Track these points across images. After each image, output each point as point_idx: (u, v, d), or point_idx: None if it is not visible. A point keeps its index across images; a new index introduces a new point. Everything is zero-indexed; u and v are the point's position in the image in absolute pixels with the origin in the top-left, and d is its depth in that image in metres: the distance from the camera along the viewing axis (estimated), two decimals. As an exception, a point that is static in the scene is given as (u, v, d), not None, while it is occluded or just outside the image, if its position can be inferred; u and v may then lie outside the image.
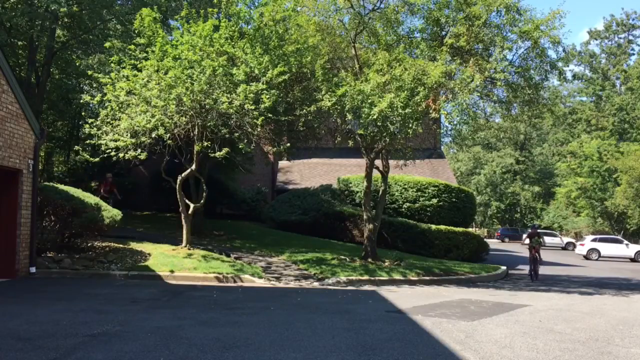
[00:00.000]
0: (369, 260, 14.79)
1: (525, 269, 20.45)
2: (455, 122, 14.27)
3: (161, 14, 15.40)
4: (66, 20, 18.71)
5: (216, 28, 13.41)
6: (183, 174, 14.14)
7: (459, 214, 21.67)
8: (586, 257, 30.23)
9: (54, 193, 12.66)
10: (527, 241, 16.29)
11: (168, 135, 12.58)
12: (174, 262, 12.49)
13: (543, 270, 17.23)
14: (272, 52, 13.83)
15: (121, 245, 13.95)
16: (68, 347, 5.47)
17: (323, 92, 13.83)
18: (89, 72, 16.31)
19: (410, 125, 13.16)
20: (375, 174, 16.00)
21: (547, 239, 40.96)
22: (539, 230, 17.51)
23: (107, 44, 15.23)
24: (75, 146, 18.81)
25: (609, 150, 46.94)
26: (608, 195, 45.57)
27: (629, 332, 7.32)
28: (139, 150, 12.63)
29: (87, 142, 14.57)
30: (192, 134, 12.97)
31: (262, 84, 12.79)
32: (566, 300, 11.06)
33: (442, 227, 19.92)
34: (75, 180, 21.51)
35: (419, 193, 21.15)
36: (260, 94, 12.70)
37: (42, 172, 21.46)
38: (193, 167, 13.88)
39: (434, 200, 21.06)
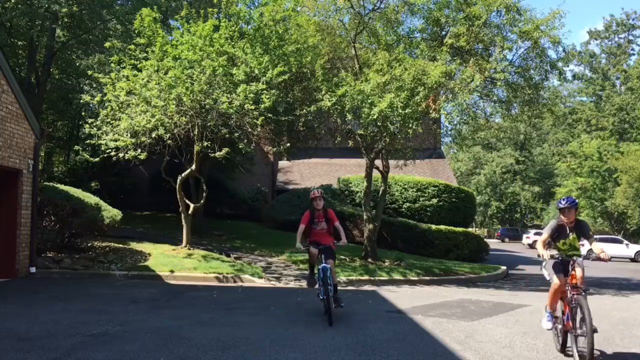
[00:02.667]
0: (369, 260, 14.79)
1: (525, 269, 20.10)
2: (455, 122, 14.32)
3: (161, 14, 15.38)
4: (66, 20, 18.69)
5: (216, 28, 13.40)
6: (183, 174, 14.14)
7: (459, 214, 21.67)
8: (586, 257, 30.18)
9: (54, 193, 12.66)
10: (544, 248, 5.86)
11: (168, 135, 12.57)
12: (174, 262, 12.49)
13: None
14: (272, 52, 13.83)
15: (121, 245, 13.95)
16: (68, 347, 5.47)
17: (323, 92, 13.83)
18: (89, 72, 16.31)
19: (410, 125, 13.16)
20: (375, 174, 15.99)
21: None
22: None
23: (107, 44, 15.22)
24: (75, 146, 18.79)
25: (609, 150, 46.94)
26: (608, 195, 45.56)
27: (629, 332, 7.32)
28: (139, 150, 12.62)
29: (87, 142, 14.56)
30: (192, 134, 12.97)
31: (262, 84, 12.78)
32: (566, 300, 11.04)
33: (442, 227, 19.92)
34: (75, 180, 21.51)
35: (419, 193, 21.15)
36: (260, 94, 12.69)
37: (42, 172, 21.44)
38: (193, 167, 13.88)
39: (434, 200, 21.05)
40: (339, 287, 7.78)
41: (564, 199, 6.07)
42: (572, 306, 5.68)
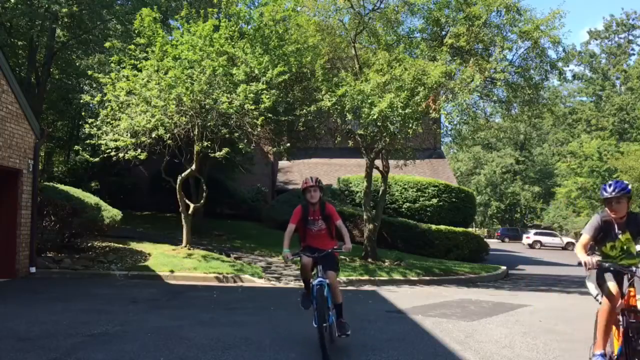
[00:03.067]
0: (369, 260, 14.79)
1: (525, 268, 20.13)
2: (455, 122, 14.33)
3: (161, 14, 15.38)
4: (66, 20, 18.69)
5: (216, 28, 13.40)
6: (183, 174, 14.14)
7: (459, 214, 21.69)
8: None
9: (54, 193, 12.66)
10: (585, 254, 4.24)
11: (168, 135, 12.57)
12: (174, 262, 12.49)
13: (543, 270, 16.94)
14: (272, 52, 13.83)
15: (121, 245, 13.95)
16: (68, 347, 5.47)
17: (323, 92, 13.83)
18: (89, 72, 16.32)
19: (410, 125, 13.17)
20: (375, 174, 15.99)
21: (547, 239, 41.13)
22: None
23: (107, 44, 15.21)
24: (75, 146, 18.79)
25: (609, 150, 46.95)
26: (608, 195, 45.54)
27: (629, 332, 7.30)
28: (139, 150, 12.63)
29: (87, 142, 14.55)
30: (192, 134, 12.97)
31: (262, 84, 12.78)
32: (567, 300, 11.05)
33: (442, 227, 19.93)
34: (75, 180, 21.51)
35: (419, 193, 21.16)
36: (260, 94, 12.69)
37: (42, 172, 21.44)
38: (193, 167, 13.88)
39: (434, 200, 21.07)
40: (339, 288, 5.91)
41: (609, 185, 4.24)
42: (630, 339, 3.92)
